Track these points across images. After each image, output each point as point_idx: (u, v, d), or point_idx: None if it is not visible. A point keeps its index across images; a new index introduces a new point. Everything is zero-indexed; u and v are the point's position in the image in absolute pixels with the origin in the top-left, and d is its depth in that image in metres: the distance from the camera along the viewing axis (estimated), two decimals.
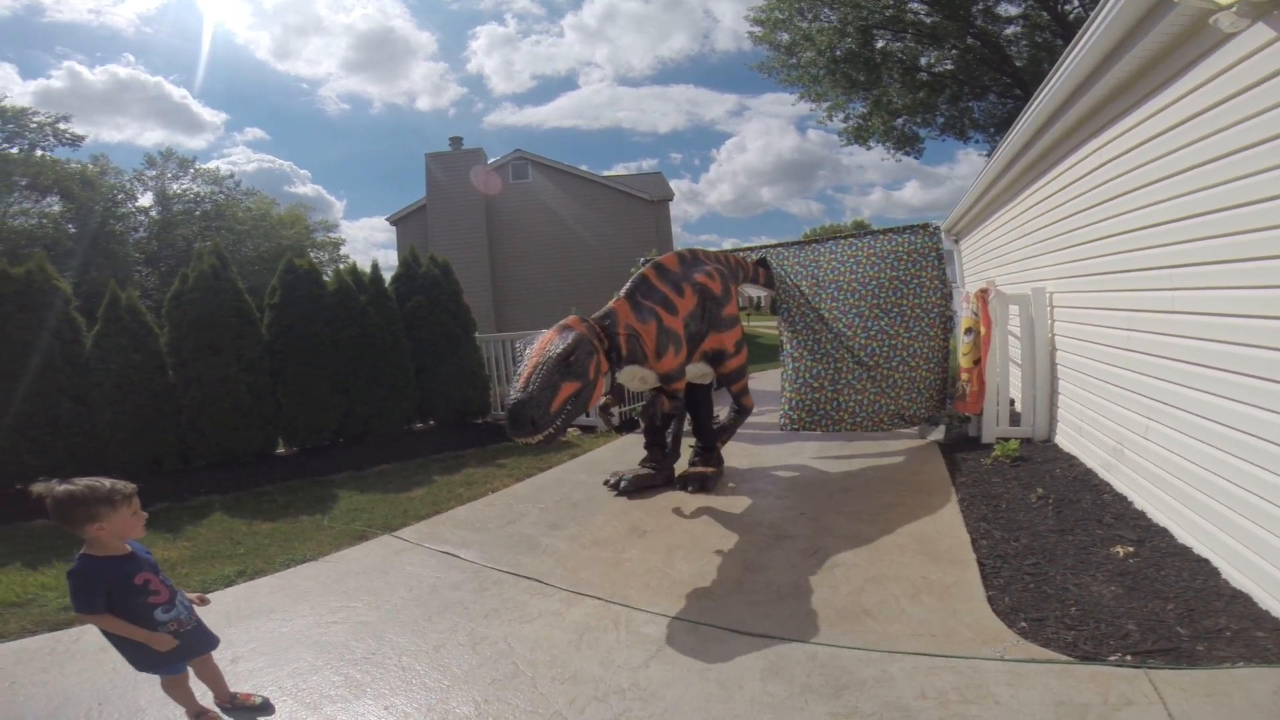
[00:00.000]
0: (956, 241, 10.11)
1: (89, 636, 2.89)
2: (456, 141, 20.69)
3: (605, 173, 24.35)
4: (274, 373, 6.29)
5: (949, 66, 19.07)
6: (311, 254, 28.88)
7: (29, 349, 5.29)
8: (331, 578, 3.55)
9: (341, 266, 7.31)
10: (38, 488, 2.00)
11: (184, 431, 5.91)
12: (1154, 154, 3.25)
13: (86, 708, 2.37)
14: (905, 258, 5.59)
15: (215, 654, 2.31)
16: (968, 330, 5.42)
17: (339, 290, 6.74)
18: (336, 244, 35.71)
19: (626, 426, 4.67)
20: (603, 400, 3.97)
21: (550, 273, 19.50)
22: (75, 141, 25.04)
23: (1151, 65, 3.22)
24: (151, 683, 2.39)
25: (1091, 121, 4.13)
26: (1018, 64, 18.20)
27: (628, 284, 4.35)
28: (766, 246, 6.30)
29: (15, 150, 23.48)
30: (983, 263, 8.28)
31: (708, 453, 4.99)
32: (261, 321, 6.41)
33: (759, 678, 2.29)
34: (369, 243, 64.59)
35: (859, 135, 20.44)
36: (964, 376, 5.38)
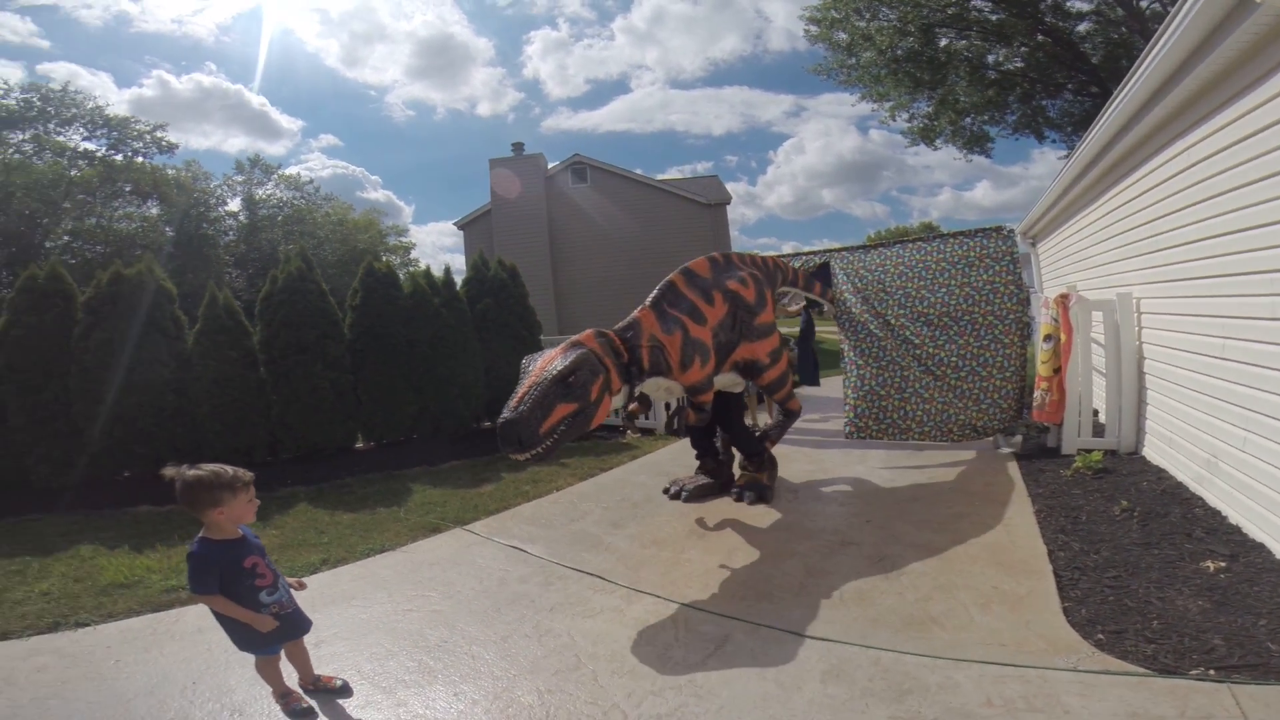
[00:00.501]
0: (1034, 245, 9.67)
1: (187, 618, 3.17)
2: (518, 147, 21.21)
3: (660, 176, 24.47)
4: (355, 370, 6.65)
5: (1019, 64, 18.21)
6: (384, 257, 30.19)
7: (139, 345, 5.79)
8: (408, 568, 3.75)
9: (412, 270, 7.64)
10: (169, 471, 2.15)
11: (273, 425, 6.33)
12: (1252, 153, 3.05)
13: (181, 686, 2.56)
14: (978, 263, 5.41)
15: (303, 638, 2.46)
16: (1047, 337, 5.21)
17: (414, 293, 7.06)
18: (407, 248, 37.14)
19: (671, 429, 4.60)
20: (630, 408, 3.92)
21: (609, 275, 19.72)
22: (170, 149, 27.00)
23: (1241, 63, 3.04)
24: (242, 664, 2.60)
25: (1177, 122, 3.90)
26: (1093, 60, 17.20)
27: (655, 291, 4.11)
28: (829, 250, 6.21)
29: (119, 157, 25.51)
30: (1063, 267, 7.89)
31: (756, 458, 4.73)
32: (344, 322, 6.79)
33: (819, 679, 2.29)
34: (436, 246, 67.08)
35: (925, 135, 19.80)
36: (1043, 385, 5.16)
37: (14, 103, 23.69)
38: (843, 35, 18.75)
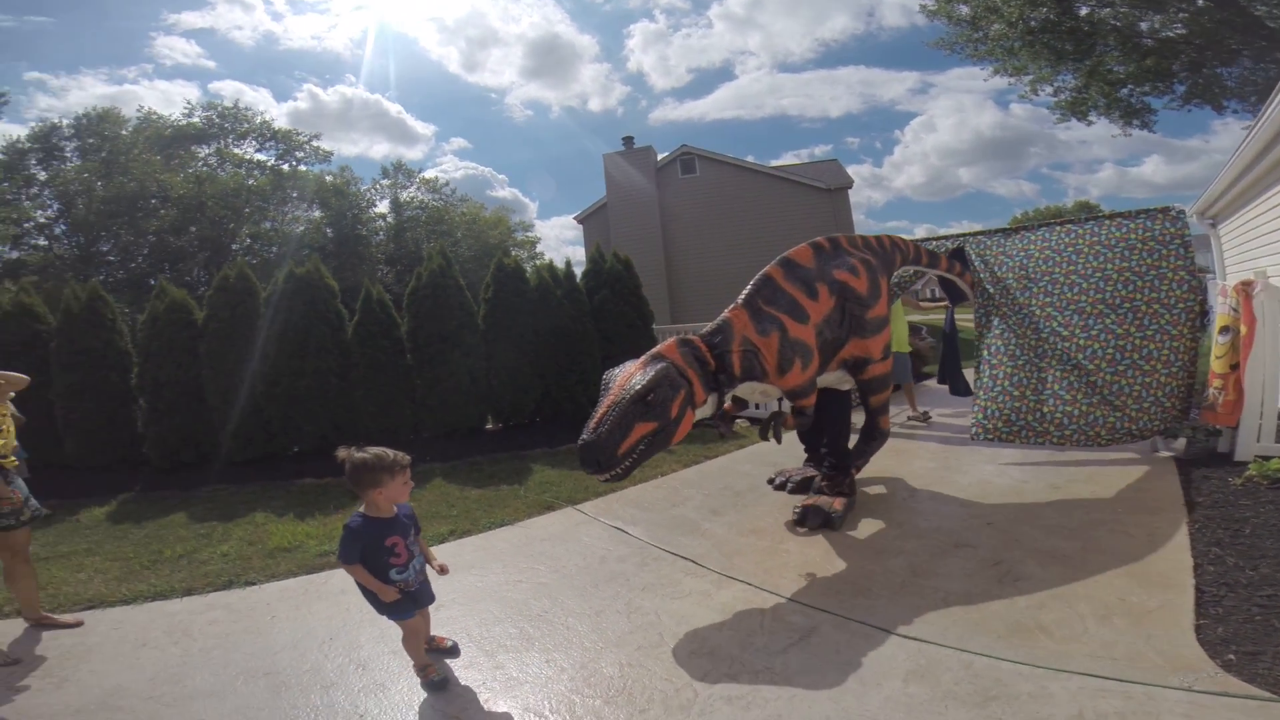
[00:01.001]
0: (1213, 225, 8.36)
1: (333, 581, 3.62)
2: (629, 141, 21.55)
3: (774, 162, 23.77)
4: (487, 358, 7.20)
5: (1179, 31, 15.63)
6: (513, 252, 31.92)
7: (307, 335, 6.65)
8: (522, 542, 4.06)
9: (538, 264, 8.10)
10: (341, 453, 2.44)
11: (417, 407, 7.02)
12: None
13: (320, 640, 2.93)
14: (1140, 246, 4.83)
15: None
16: (1223, 329, 4.56)
17: (539, 285, 7.50)
18: (533, 242, 39.06)
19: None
20: (722, 410, 3.64)
21: (723, 265, 19.47)
22: (326, 157, 30.57)
23: None
24: (371, 624, 2.95)
25: None
26: (1269, 25, 14.39)
27: (749, 286, 3.73)
28: (965, 235, 5.77)
29: (286, 166, 29.07)
30: (1249, 250, 6.79)
31: (838, 476, 4.28)
32: (478, 314, 7.36)
33: (901, 679, 2.23)
34: (559, 240, 69.87)
35: (1075, 109, 17.59)
36: (1216, 383, 4.53)
37: (199, 120, 27.88)
38: (964, 8, 17.15)
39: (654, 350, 3.30)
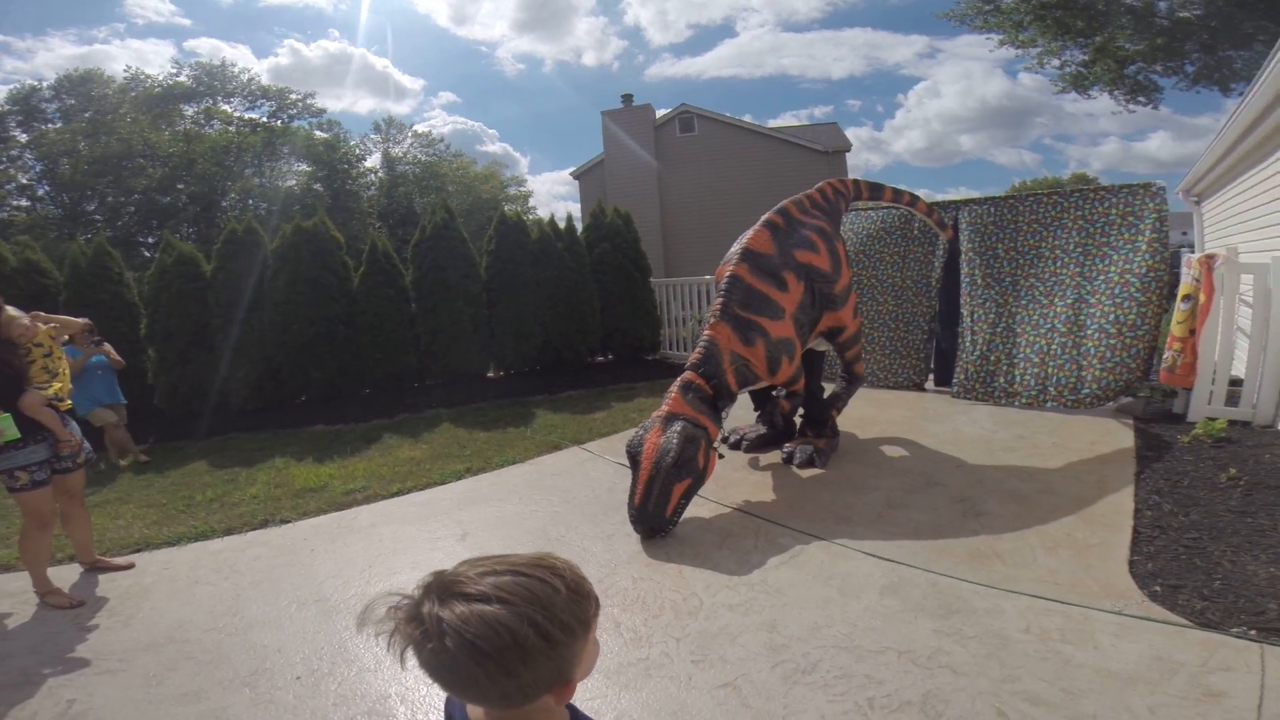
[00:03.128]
0: (1197, 204, 8.65)
1: (362, 516, 3.93)
2: (628, 99, 21.35)
3: (773, 122, 23.56)
4: (490, 307, 7.45)
5: (1196, 12, 15.57)
6: (506, 207, 31.74)
7: (315, 285, 6.83)
8: (534, 477, 4.40)
9: (534, 217, 8.26)
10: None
11: (421, 354, 7.29)
12: None
13: (360, 569, 3.20)
14: (1120, 221, 5.18)
15: (450, 528, 3.01)
16: (1185, 297, 4.90)
17: (540, 238, 7.70)
18: (525, 197, 38.64)
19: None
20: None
21: (719, 222, 19.55)
22: (320, 113, 30.16)
23: None
24: (404, 553, 3.28)
25: None
26: None
27: (720, 292, 3.79)
28: (958, 201, 6.06)
29: (278, 123, 28.54)
30: (1226, 227, 7.10)
31: (820, 425, 4.51)
32: (480, 265, 7.56)
33: (877, 592, 2.61)
34: (551, 195, 68.81)
35: (1078, 83, 17.58)
36: (1175, 346, 4.89)
37: (186, 79, 27.20)
38: None
39: (665, 410, 3.46)
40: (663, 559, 3.01)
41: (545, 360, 7.79)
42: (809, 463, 4.18)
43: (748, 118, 21.75)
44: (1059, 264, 5.38)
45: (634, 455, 3.35)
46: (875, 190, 5.08)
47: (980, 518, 3.29)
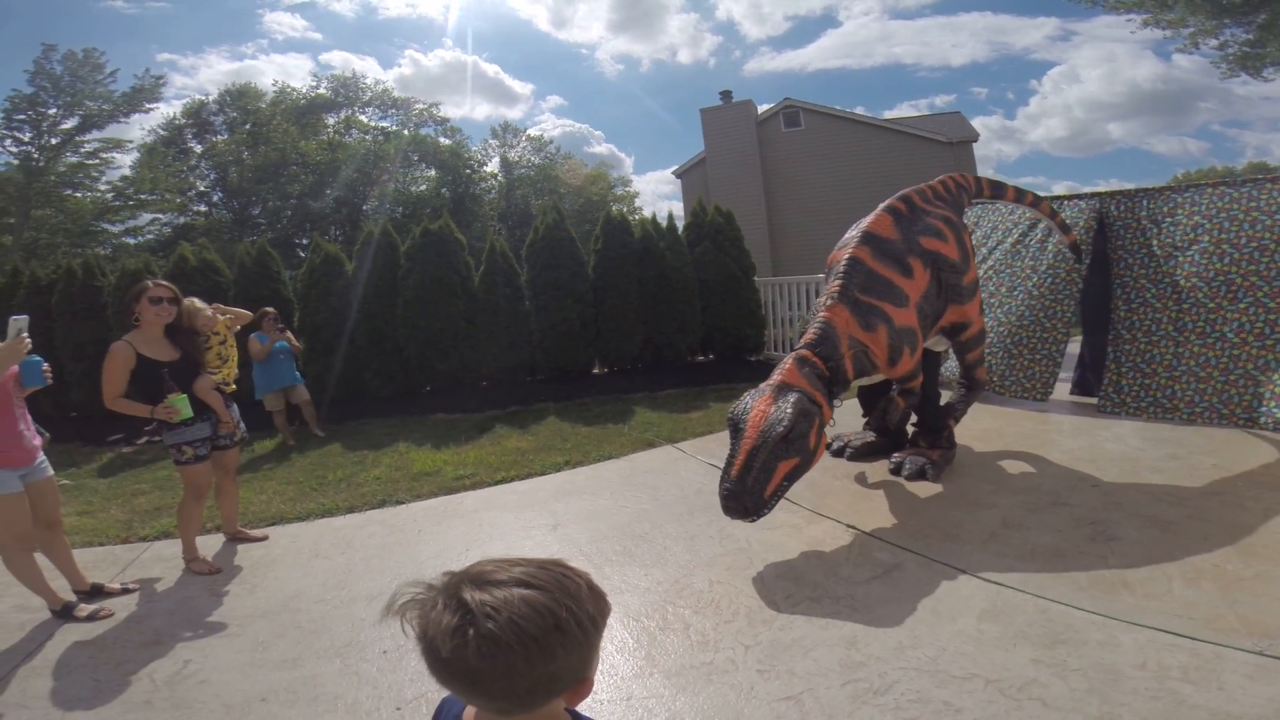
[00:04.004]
0: None
1: (468, 501, 4.16)
2: (727, 95, 20.80)
3: (888, 113, 22.12)
4: (595, 305, 7.65)
5: None
6: (614, 207, 32.50)
7: (440, 283, 7.32)
8: (627, 473, 4.48)
9: (639, 217, 8.35)
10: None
11: (534, 349, 7.62)
12: None
13: (459, 551, 3.41)
14: None
15: (544, 518, 3.08)
16: None
17: (643, 238, 7.80)
18: (632, 197, 39.11)
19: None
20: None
21: (832, 219, 18.64)
22: (444, 122, 32.44)
23: None
24: (502, 539, 3.44)
25: None
26: None
27: (837, 275, 3.45)
28: (1105, 193, 5.44)
29: (406, 131, 30.87)
30: None
31: (934, 434, 4.17)
32: (588, 264, 7.79)
33: (975, 616, 2.40)
34: (655, 194, 69.00)
35: (1246, 64, 15.07)
36: None
37: (325, 91, 30.09)
38: None
39: (778, 379, 3.09)
40: (744, 564, 2.95)
41: (647, 358, 7.88)
42: (919, 475, 3.87)
43: (860, 110, 20.73)
44: (1227, 262, 4.69)
45: (737, 422, 2.98)
46: (997, 189, 4.72)
47: (1111, 543, 2.94)
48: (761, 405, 2.95)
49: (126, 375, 3.11)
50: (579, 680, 0.75)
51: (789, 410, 2.87)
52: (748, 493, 2.77)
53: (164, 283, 3.30)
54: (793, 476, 2.92)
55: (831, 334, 3.25)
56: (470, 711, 0.82)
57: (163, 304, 3.21)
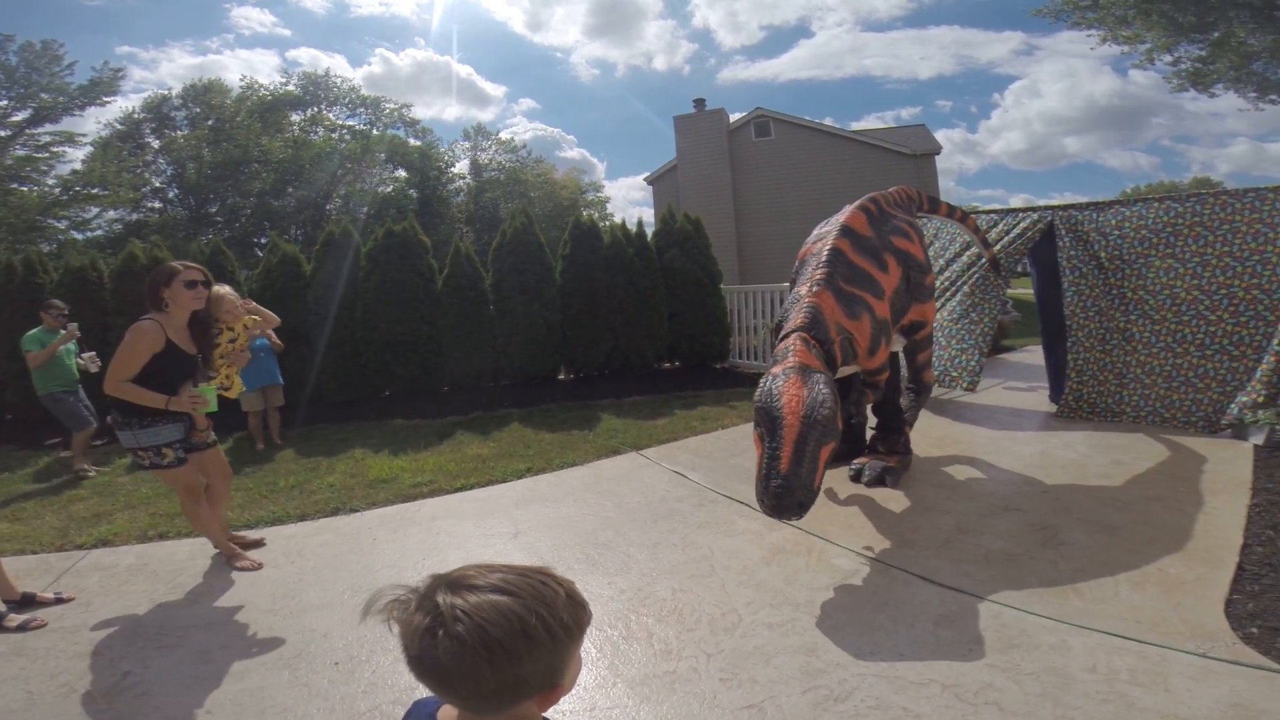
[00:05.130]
0: None
1: (426, 508, 4.06)
2: (700, 103, 21.05)
3: (856, 125, 22.66)
4: (563, 311, 7.59)
5: None
6: (585, 212, 32.58)
7: (403, 286, 7.18)
8: (590, 480, 4.44)
9: (609, 223, 8.35)
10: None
11: (498, 355, 7.51)
12: None
13: (415, 559, 3.32)
14: (1245, 230, 4.73)
15: (504, 525, 3.03)
16: None
17: (613, 243, 7.78)
18: (603, 203, 39.14)
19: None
20: None
21: (798, 229, 19.00)
22: (415, 123, 31.96)
23: None
24: (459, 548, 3.36)
25: None
26: None
27: (820, 263, 3.40)
28: (1054, 207, 5.66)
29: (375, 131, 30.37)
30: None
31: (892, 436, 4.23)
32: (556, 269, 7.73)
33: (932, 621, 2.44)
34: (627, 200, 69.47)
35: (1197, 80, 15.91)
36: None
37: (294, 88, 29.44)
38: None
39: (797, 361, 2.88)
40: (706, 572, 2.94)
41: (614, 365, 7.85)
42: (879, 481, 3.96)
43: (829, 121, 21.15)
44: (1172, 276, 4.95)
45: (770, 410, 2.71)
46: (933, 204, 5.09)
47: (1061, 548, 3.03)
48: (793, 389, 2.73)
49: (147, 359, 2.89)
50: (549, 686, 0.76)
51: (825, 391, 2.71)
52: (802, 485, 2.56)
53: (196, 265, 3.09)
54: (829, 462, 2.79)
55: (821, 319, 3.17)
56: (446, 709, 0.84)
57: (198, 287, 3.03)
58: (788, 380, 2.77)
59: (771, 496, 2.57)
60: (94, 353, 5.17)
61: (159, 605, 2.98)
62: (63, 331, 5.52)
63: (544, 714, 0.82)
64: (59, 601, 3.01)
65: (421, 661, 0.72)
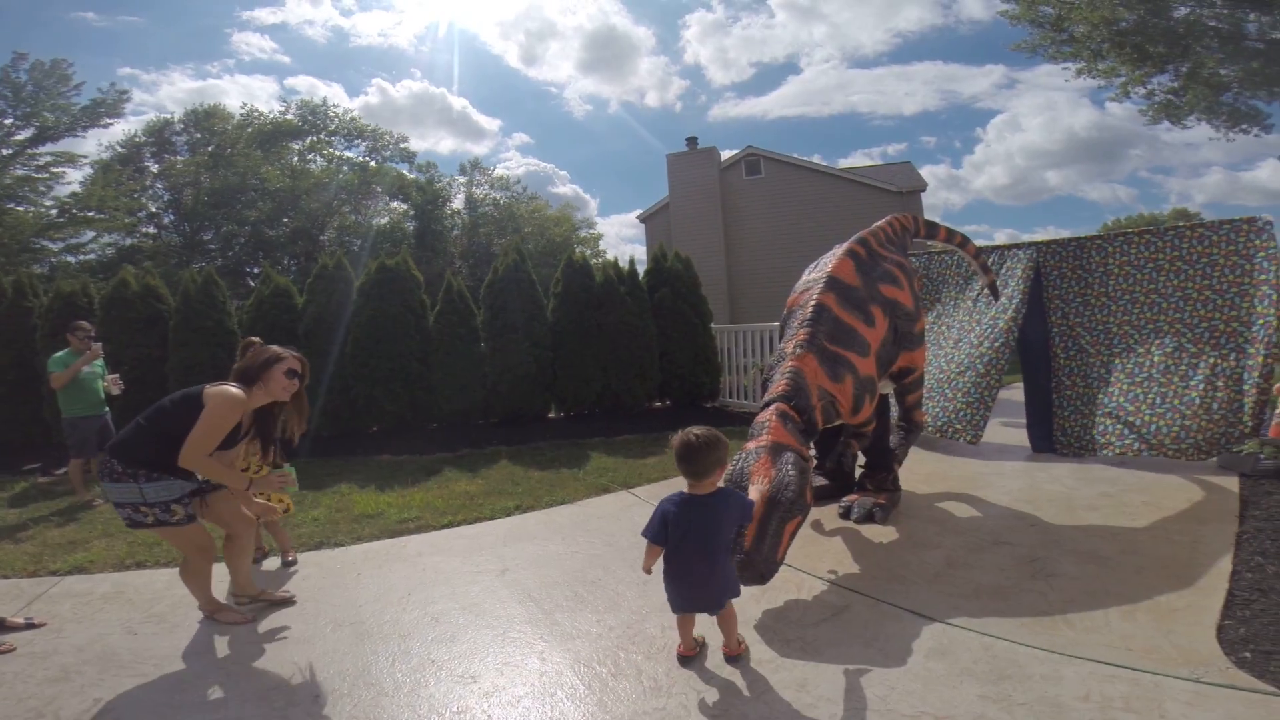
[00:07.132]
0: None
1: (412, 544, 4.01)
2: (692, 141, 21.57)
3: (844, 162, 23.25)
4: (554, 349, 7.62)
5: None
6: (578, 249, 32.93)
7: (394, 321, 7.21)
8: (580, 519, 4.40)
9: (602, 260, 8.46)
10: (675, 438, 2.43)
11: (488, 392, 7.50)
12: None
13: (399, 596, 3.25)
14: (1223, 262, 4.86)
15: (492, 563, 2.95)
16: None
17: (604, 282, 7.87)
18: (596, 239, 39.51)
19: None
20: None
21: (788, 268, 19.24)
22: (412, 156, 32.42)
23: None
24: (445, 583, 3.30)
25: None
26: None
27: (805, 323, 3.41)
28: (1043, 242, 5.79)
29: (374, 163, 30.79)
30: None
31: (880, 474, 4.23)
32: (547, 307, 7.79)
33: (923, 655, 2.42)
34: (619, 238, 70.03)
35: (1170, 112, 16.51)
36: None
37: (294, 118, 29.84)
38: (1048, 9, 16.30)
39: (769, 439, 2.96)
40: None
41: (604, 404, 7.84)
42: (868, 518, 3.95)
43: (817, 158, 21.81)
44: (1155, 310, 5.07)
45: (738, 477, 2.87)
46: (931, 229, 4.96)
47: (1050, 579, 3.02)
48: (762, 469, 2.85)
49: (227, 431, 2.75)
50: (720, 466, 2.39)
51: (792, 473, 2.80)
52: (764, 560, 2.67)
53: (298, 355, 2.99)
54: (796, 533, 2.87)
55: (803, 385, 3.22)
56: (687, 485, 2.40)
57: (295, 379, 2.95)
58: (758, 460, 2.88)
59: (739, 566, 2.68)
60: (117, 375, 5.11)
61: (134, 633, 2.92)
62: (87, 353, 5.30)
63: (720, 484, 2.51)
64: (30, 626, 2.94)
65: (680, 452, 2.41)
